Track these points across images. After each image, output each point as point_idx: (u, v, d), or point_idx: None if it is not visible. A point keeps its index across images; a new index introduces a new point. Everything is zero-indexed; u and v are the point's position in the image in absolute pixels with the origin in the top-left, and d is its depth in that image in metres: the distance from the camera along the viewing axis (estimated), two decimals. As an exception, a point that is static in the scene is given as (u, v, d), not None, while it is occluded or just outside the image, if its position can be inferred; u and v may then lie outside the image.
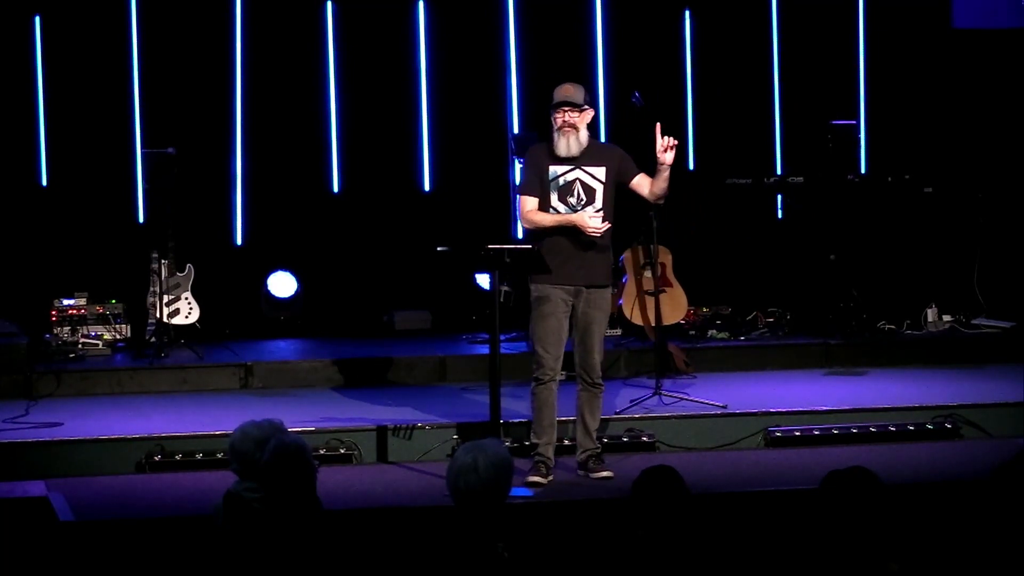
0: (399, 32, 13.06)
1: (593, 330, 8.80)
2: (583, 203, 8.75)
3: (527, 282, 8.87)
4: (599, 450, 8.92)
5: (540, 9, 13.16)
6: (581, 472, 8.85)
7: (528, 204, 8.81)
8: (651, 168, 8.86)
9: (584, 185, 8.77)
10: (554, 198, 8.77)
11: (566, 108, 8.70)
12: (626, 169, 8.88)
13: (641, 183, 8.88)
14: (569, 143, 8.74)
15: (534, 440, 8.82)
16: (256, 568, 5.80)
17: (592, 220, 8.69)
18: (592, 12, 13.24)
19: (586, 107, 8.77)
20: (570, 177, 8.78)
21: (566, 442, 9.34)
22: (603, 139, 13.02)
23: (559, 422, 9.19)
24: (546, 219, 8.74)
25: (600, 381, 8.87)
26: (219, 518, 6.20)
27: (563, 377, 10.02)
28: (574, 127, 8.73)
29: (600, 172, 8.79)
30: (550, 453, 8.81)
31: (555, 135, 8.76)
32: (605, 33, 13.23)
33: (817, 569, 5.17)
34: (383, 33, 13.04)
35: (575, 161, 8.76)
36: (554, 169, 8.78)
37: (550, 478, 8.74)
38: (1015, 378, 10.34)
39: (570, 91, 8.77)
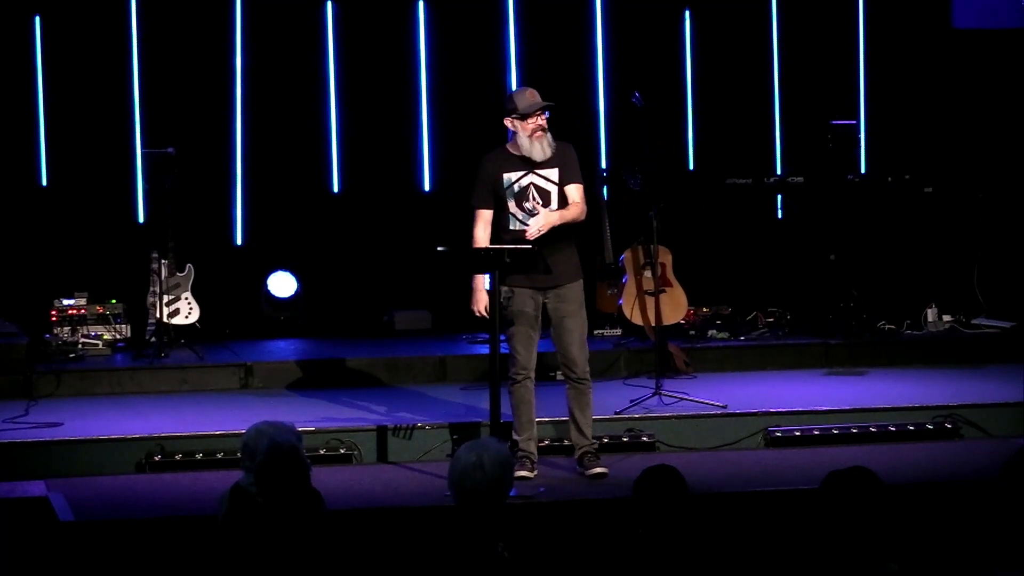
0: (399, 32, 13.06)
1: (568, 325, 8.78)
2: (540, 206, 8.70)
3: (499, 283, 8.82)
4: (595, 446, 8.93)
5: (540, 9, 13.15)
6: (580, 469, 8.86)
7: (480, 220, 8.76)
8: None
9: (539, 189, 8.74)
10: (511, 204, 8.73)
11: (543, 113, 8.69)
12: (569, 172, 8.80)
13: (572, 192, 8.78)
14: (543, 147, 8.71)
15: (515, 437, 8.82)
16: (257, 565, 5.80)
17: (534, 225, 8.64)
18: (592, 12, 13.24)
19: None
20: (524, 182, 8.74)
21: (566, 442, 9.35)
22: (603, 139, 13.06)
23: (559, 422, 9.22)
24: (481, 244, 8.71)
25: (586, 376, 8.83)
26: (223, 510, 6.21)
27: (561, 378, 10.03)
28: (546, 131, 8.73)
29: (553, 174, 8.75)
30: (532, 448, 8.83)
31: (524, 140, 8.67)
32: (605, 33, 13.23)
33: (817, 569, 5.17)
34: (383, 33, 13.04)
35: (529, 165, 8.73)
36: (508, 176, 8.74)
37: (535, 472, 8.76)
38: (1015, 378, 10.34)
39: (537, 95, 8.75)
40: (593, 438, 8.94)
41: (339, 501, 8.04)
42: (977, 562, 5.41)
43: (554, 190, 8.73)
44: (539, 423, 8.98)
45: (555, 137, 8.78)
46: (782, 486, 8.52)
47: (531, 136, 8.70)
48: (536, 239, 8.64)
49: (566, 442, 9.23)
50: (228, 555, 5.95)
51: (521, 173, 8.73)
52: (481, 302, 8.73)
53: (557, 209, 8.70)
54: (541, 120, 8.69)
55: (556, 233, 8.71)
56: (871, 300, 12.51)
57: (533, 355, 8.81)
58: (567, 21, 13.20)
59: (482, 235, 8.78)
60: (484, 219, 8.79)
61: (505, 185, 8.73)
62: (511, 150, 8.78)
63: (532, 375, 8.82)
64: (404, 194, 13.08)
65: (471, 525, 5.50)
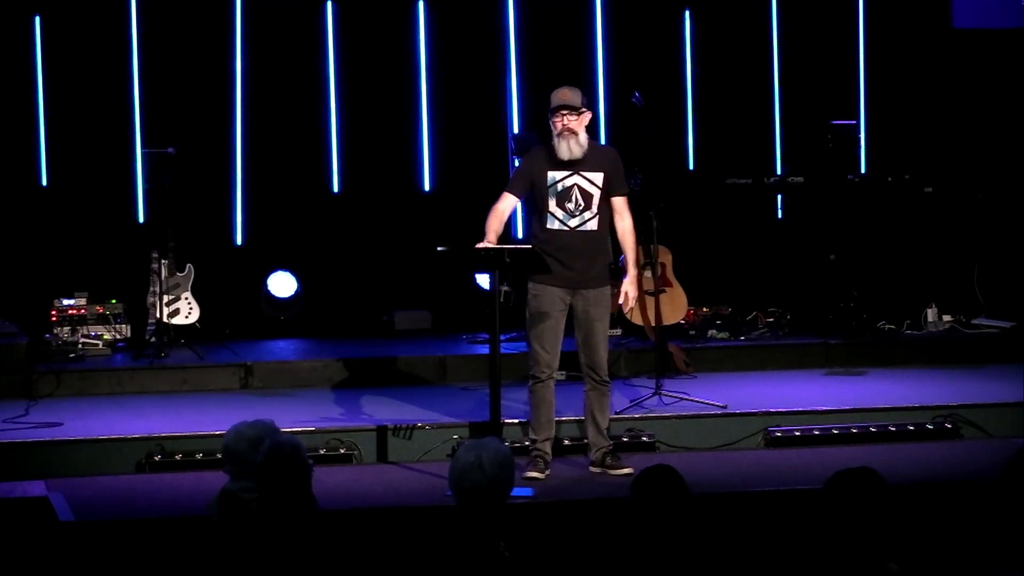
0: (399, 32, 13.06)
1: (596, 328, 8.83)
2: (581, 208, 8.76)
3: (525, 281, 8.90)
4: (612, 446, 8.95)
5: (540, 9, 13.16)
6: (598, 470, 8.86)
7: (503, 202, 8.86)
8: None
9: (582, 191, 8.78)
10: (552, 203, 8.77)
11: (565, 112, 8.70)
12: (616, 182, 8.88)
13: (618, 206, 8.90)
14: (570, 146, 8.74)
15: (532, 436, 8.85)
16: (254, 568, 5.80)
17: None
18: (592, 12, 13.24)
19: (584, 110, 8.77)
20: (568, 183, 8.78)
21: (566, 442, 9.35)
22: (603, 139, 13.05)
23: (564, 421, 9.23)
24: (491, 236, 8.72)
25: (608, 379, 8.91)
26: (214, 514, 6.19)
27: (563, 377, 10.03)
28: (574, 131, 8.73)
29: (598, 178, 8.80)
30: (548, 448, 8.87)
31: (555, 139, 8.76)
32: (605, 33, 13.23)
33: (817, 569, 5.17)
34: (383, 33, 13.04)
35: (574, 166, 8.76)
36: (552, 175, 8.79)
37: (547, 472, 8.79)
38: (1015, 378, 10.35)
39: (568, 95, 8.76)
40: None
41: (339, 501, 8.05)
42: (977, 562, 5.41)
43: (597, 194, 8.78)
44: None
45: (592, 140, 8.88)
46: (782, 486, 8.53)
47: (559, 134, 8.74)
48: (570, 243, 8.72)
49: (566, 442, 9.25)
50: (226, 558, 5.94)
51: (566, 173, 8.78)
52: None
53: (599, 220, 8.78)
54: (566, 120, 8.71)
55: (593, 238, 8.79)
56: (871, 300, 12.51)
57: (558, 355, 8.85)
58: (567, 21, 13.20)
59: (502, 207, 8.84)
60: (508, 201, 8.89)
61: (548, 183, 8.78)
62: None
63: (554, 375, 8.85)
64: (404, 194, 13.08)
65: (471, 525, 5.50)
